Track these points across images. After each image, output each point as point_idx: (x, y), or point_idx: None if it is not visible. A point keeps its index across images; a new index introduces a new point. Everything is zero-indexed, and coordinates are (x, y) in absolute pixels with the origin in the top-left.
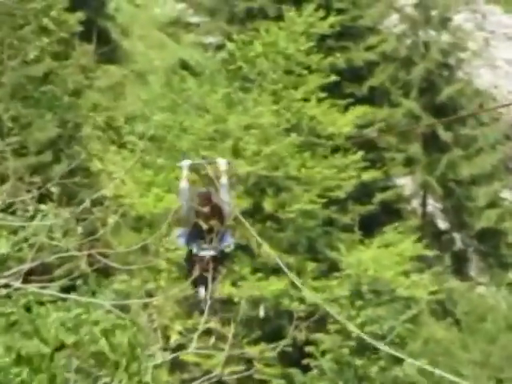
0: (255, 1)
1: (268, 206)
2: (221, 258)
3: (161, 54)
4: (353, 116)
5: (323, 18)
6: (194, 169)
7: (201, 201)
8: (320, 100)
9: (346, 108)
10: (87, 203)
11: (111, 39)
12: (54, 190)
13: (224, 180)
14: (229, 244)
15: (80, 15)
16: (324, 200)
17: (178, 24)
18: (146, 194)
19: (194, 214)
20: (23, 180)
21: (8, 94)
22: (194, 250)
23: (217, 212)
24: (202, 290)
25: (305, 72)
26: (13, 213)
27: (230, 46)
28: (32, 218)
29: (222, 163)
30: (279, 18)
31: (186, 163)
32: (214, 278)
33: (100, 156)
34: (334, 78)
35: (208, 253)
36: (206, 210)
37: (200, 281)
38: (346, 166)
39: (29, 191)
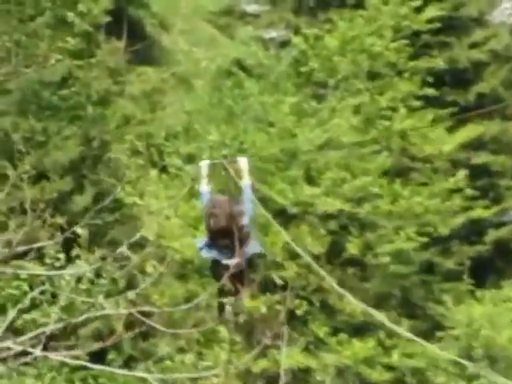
0: None
1: (351, 248)
2: (247, 266)
3: (209, 52)
4: (462, 136)
5: (417, 10)
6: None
7: (218, 209)
8: (414, 110)
9: (449, 123)
10: (124, 248)
11: (146, 34)
12: (82, 231)
13: (247, 181)
14: (256, 251)
15: (106, 3)
16: (422, 240)
17: (232, 14)
18: (194, 233)
19: (213, 222)
20: (42, 217)
21: (17, 105)
22: (218, 259)
23: (234, 220)
24: (228, 308)
25: (394, 75)
26: (34, 259)
27: (297, 41)
28: (55, 265)
29: (243, 162)
30: (359, 5)
31: (204, 163)
32: (239, 289)
33: (134, 183)
34: (431, 82)
35: (233, 261)
36: (222, 219)
37: (225, 290)
38: (450, 195)
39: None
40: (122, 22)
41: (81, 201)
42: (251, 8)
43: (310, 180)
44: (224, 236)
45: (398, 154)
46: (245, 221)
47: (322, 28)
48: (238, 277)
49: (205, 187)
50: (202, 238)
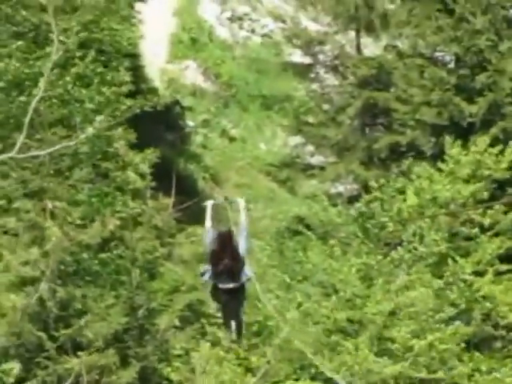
0: (404, 134)
1: None
2: (242, 289)
3: (268, 208)
4: None
5: (498, 155)
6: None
7: (221, 241)
8: (500, 274)
9: None
10: None
11: (197, 189)
12: None
13: (243, 218)
14: (248, 277)
15: (152, 154)
16: None
17: (294, 167)
18: None
19: (216, 252)
20: None
21: (55, 267)
22: (218, 284)
23: (234, 250)
24: (232, 323)
25: (479, 234)
26: None
27: (367, 196)
28: None
29: (240, 202)
30: (437, 156)
31: (209, 203)
32: (237, 307)
33: (185, 358)
34: None
35: (230, 285)
36: (225, 249)
37: (228, 314)
38: None
39: None
40: (170, 176)
41: (125, 376)
42: (315, 160)
43: (379, 350)
44: (223, 263)
45: (479, 321)
46: (241, 251)
47: (394, 180)
48: (236, 296)
49: (208, 223)
50: (205, 266)
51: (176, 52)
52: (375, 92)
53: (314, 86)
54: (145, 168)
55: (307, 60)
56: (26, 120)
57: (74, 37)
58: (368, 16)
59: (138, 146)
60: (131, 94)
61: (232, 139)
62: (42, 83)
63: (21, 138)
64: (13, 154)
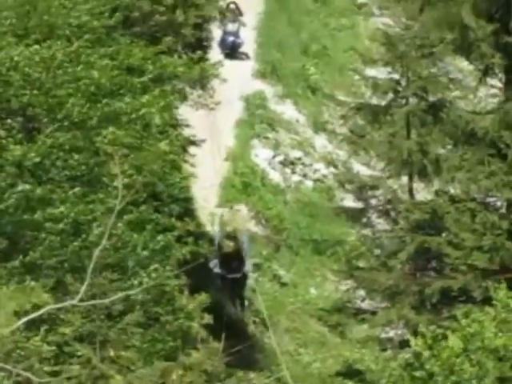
0: (455, 279)
1: None
2: (244, 278)
3: (319, 353)
4: None
5: None
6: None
7: (227, 241)
8: None
9: None
10: None
11: (248, 333)
12: None
13: (245, 224)
14: (248, 269)
15: (203, 298)
16: None
17: (344, 311)
18: None
19: (223, 249)
20: None
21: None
22: (225, 275)
23: (238, 247)
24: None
25: None
26: None
27: (415, 342)
28: None
29: (243, 212)
30: (485, 301)
31: (217, 211)
32: (241, 291)
33: None
34: None
35: (235, 275)
36: (231, 247)
37: (233, 296)
38: None
39: None
40: (221, 319)
41: None
42: (366, 304)
43: None
44: (230, 259)
45: None
46: (244, 249)
47: (443, 326)
48: (240, 284)
49: (217, 227)
50: (215, 261)
51: (227, 196)
52: (427, 237)
53: (366, 231)
54: (196, 313)
55: (359, 204)
56: (90, 268)
57: (126, 180)
58: (421, 161)
59: (188, 290)
60: (182, 238)
61: (283, 284)
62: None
63: (83, 286)
64: (75, 301)
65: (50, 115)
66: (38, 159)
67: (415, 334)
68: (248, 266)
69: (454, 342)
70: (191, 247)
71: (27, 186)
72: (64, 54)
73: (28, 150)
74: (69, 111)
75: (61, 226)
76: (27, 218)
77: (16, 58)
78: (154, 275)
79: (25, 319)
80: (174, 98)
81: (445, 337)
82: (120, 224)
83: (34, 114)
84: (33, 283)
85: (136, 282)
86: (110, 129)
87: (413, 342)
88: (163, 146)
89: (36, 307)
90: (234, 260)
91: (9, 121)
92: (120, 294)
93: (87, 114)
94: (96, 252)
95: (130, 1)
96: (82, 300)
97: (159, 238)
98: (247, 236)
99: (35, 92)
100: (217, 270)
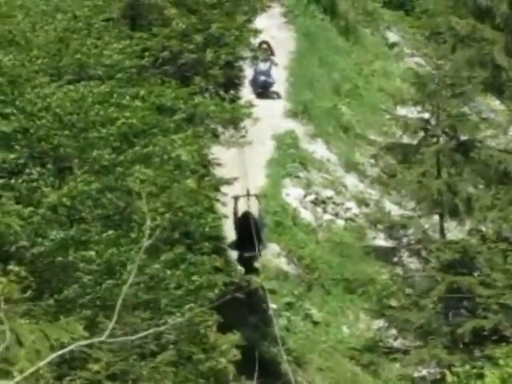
0: (487, 318)
1: None
2: (258, 256)
3: None
4: None
5: None
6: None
7: (244, 219)
8: None
9: None
10: None
11: (280, 372)
12: None
13: (260, 206)
14: (264, 247)
15: (236, 337)
16: None
17: (377, 350)
18: None
19: (241, 228)
20: None
21: None
22: (242, 253)
23: (254, 228)
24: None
25: None
26: None
27: (450, 380)
28: None
29: (258, 196)
30: None
31: (235, 196)
32: (255, 270)
33: None
34: None
35: (251, 253)
36: (248, 228)
37: (247, 272)
38: None
39: None
40: (253, 358)
41: None
42: (398, 343)
43: None
44: (245, 239)
45: None
46: (260, 228)
47: (477, 366)
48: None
49: (237, 210)
50: (233, 241)
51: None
52: (459, 276)
53: (397, 270)
54: (228, 352)
55: (390, 244)
56: (118, 305)
57: (160, 220)
58: (452, 201)
59: (220, 328)
60: (213, 275)
61: (315, 322)
62: (134, 269)
63: (111, 323)
64: (103, 338)
65: (82, 156)
66: (69, 202)
67: (450, 370)
68: (264, 243)
69: (492, 381)
70: (222, 285)
71: (61, 232)
72: (96, 94)
73: (63, 195)
74: (99, 154)
75: (94, 266)
76: (61, 260)
77: (48, 99)
78: (187, 314)
79: (54, 355)
80: (206, 138)
81: (480, 376)
82: (154, 263)
83: (66, 155)
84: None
85: (170, 321)
86: (142, 169)
87: (449, 378)
88: (193, 184)
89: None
90: (248, 240)
91: (41, 160)
92: (149, 331)
93: (117, 157)
94: (124, 289)
95: (160, 40)
96: (110, 336)
97: (194, 278)
98: (260, 218)
99: (66, 133)
100: (234, 248)
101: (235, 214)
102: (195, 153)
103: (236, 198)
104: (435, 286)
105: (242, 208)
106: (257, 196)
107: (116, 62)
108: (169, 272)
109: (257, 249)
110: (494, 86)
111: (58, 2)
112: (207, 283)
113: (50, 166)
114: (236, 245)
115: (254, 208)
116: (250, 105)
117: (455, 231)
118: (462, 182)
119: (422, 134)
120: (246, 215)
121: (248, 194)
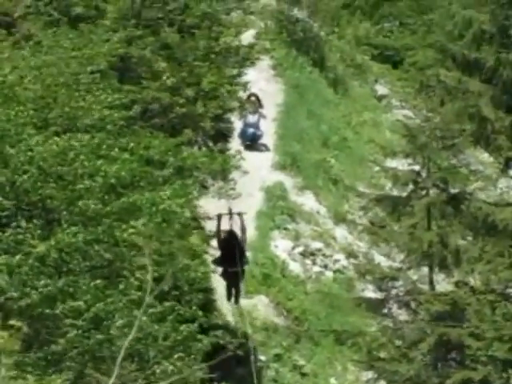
0: (476, 370)
1: None
2: (242, 272)
3: None
4: None
5: None
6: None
7: (229, 236)
8: None
9: None
10: None
11: None
12: None
13: (243, 224)
14: (246, 264)
15: None
16: None
17: None
18: None
19: (225, 245)
20: None
21: None
22: (227, 269)
23: (237, 245)
24: (232, 292)
25: None
26: None
27: None
28: None
29: (242, 215)
30: None
31: (222, 214)
32: (237, 282)
33: None
34: None
35: (234, 269)
36: (230, 243)
37: (231, 287)
38: None
39: None
40: None
41: None
42: None
43: None
44: (229, 256)
45: None
46: (243, 244)
47: None
48: (238, 277)
49: (222, 227)
50: (217, 258)
51: (248, 287)
52: (448, 328)
53: (386, 322)
54: None
55: (380, 295)
56: (118, 360)
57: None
58: (441, 252)
59: (207, 380)
60: (203, 330)
61: (303, 374)
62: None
63: (112, 379)
64: None
65: (70, 208)
66: (57, 254)
67: None
68: (247, 259)
69: None
70: (212, 339)
71: (50, 283)
72: (83, 146)
73: (51, 246)
74: (86, 206)
75: (81, 322)
76: (49, 312)
77: (29, 153)
78: (178, 364)
79: None
80: (194, 190)
81: None
82: (142, 316)
83: (54, 206)
84: (53, 377)
85: (158, 371)
86: (131, 222)
87: None
88: (185, 239)
89: None
90: (231, 256)
91: (28, 213)
92: None
93: (104, 209)
94: (125, 343)
95: (150, 93)
96: None
97: (182, 328)
98: (242, 234)
99: (52, 185)
100: (218, 263)
101: (218, 231)
102: (185, 206)
103: (219, 216)
104: (425, 337)
105: (224, 225)
106: (239, 214)
107: (104, 116)
108: (156, 326)
109: (239, 264)
110: (481, 138)
111: (46, 55)
112: (196, 335)
113: (37, 218)
114: (220, 261)
115: (236, 226)
116: (239, 157)
117: (444, 283)
118: (452, 234)
119: (411, 186)
120: (230, 233)
121: (231, 213)
